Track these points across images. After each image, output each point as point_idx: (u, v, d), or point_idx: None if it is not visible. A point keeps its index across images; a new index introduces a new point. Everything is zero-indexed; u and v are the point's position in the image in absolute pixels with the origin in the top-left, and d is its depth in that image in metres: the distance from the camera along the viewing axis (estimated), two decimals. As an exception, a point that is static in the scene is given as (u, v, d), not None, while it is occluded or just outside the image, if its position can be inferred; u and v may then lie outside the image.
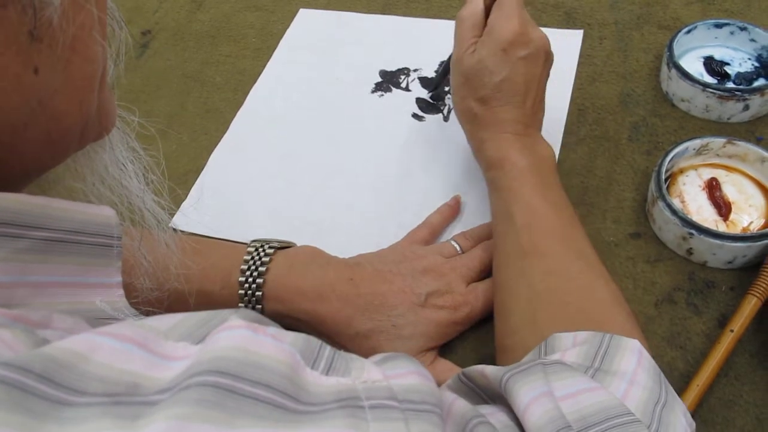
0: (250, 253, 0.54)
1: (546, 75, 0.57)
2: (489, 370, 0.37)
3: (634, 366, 0.38)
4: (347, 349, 0.50)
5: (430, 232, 0.60)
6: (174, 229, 0.43)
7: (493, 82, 0.55)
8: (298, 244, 0.57)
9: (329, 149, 0.69)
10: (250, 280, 0.53)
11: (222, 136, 0.72)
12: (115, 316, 0.32)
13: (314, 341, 0.28)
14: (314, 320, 0.53)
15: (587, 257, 0.49)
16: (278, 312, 0.53)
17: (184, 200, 0.67)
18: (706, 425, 0.48)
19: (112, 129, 0.35)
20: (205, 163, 0.70)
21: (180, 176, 0.69)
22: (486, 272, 0.56)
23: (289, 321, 0.53)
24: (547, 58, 0.57)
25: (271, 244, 0.55)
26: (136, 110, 0.38)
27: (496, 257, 0.53)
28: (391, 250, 0.58)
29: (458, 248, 0.57)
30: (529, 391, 0.34)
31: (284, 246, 0.56)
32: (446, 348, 0.54)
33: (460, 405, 0.32)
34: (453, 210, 0.62)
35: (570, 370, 0.37)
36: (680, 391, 0.48)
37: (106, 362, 0.23)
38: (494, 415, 0.35)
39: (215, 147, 0.71)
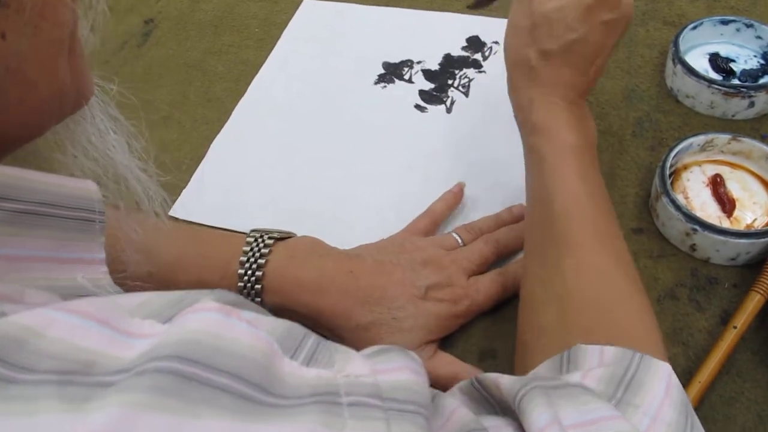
0: (249, 243, 0.53)
1: (617, 42, 0.52)
2: (504, 381, 0.35)
3: (661, 397, 0.36)
4: (347, 342, 0.48)
5: (432, 221, 0.59)
6: (165, 199, 0.41)
7: (564, 39, 0.49)
8: (298, 234, 0.57)
9: (331, 140, 0.68)
10: (249, 272, 0.52)
11: (223, 126, 0.71)
12: (97, 293, 0.30)
13: (298, 329, 0.27)
14: (313, 313, 0.52)
15: (624, 258, 0.46)
16: (277, 304, 0.52)
17: (184, 188, 0.66)
18: (706, 422, 0.48)
19: (91, 97, 0.34)
20: (205, 152, 0.69)
21: (180, 164, 0.68)
22: (487, 265, 0.55)
23: (288, 314, 0.52)
24: (627, 26, 0.51)
25: (270, 234, 0.54)
26: (114, 79, 0.37)
27: (528, 241, 0.50)
28: (391, 241, 0.57)
29: (459, 241, 0.56)
30: (543, 414, 0.32)
31: (284, 236, 0.55)
32: (447, 341, 0.54)
33: (462, 414, 0.31)
34: (456, 197, 0.61)
35: (590, 394, 0.34)
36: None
37: (61, 338, 0.21)
38: (500, 429, 0.34)
39: (216, 136, 0.70)
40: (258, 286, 0.52)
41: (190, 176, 0.67)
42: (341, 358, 0.27)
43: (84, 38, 0.33)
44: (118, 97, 0.37)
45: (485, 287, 0.53)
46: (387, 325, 0.51)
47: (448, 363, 0.52)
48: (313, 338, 0.27)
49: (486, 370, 0.51)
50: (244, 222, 0.62)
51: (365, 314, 0.51)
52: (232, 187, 0.66)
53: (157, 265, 0.45)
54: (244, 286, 0.52)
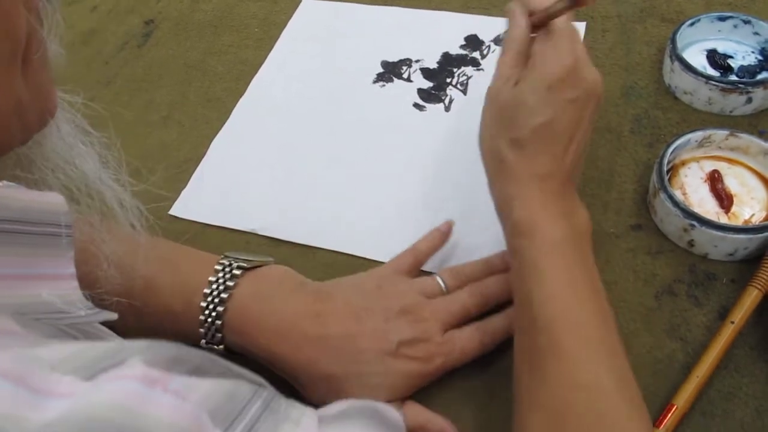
0: (216, 272, 0.51)
1: (592, 123, 0.49)
2: None
3: None
4: (308, 391, 0.47)
5: (415, 260, 0.55)
6: (140, 210, 0.40)
7: (530, 125, 0.47)
8: (293, 239, 0.55)
9: (330, 139, 0.69)
10: (212, 306, 0.49)
11: (223, 125, 0.72)
12: (65, 309, 0.30)
13: (242, 395, 0.25)
14: (272, 359, 0.49)
15: (617, 364, 0.43)
16: (238, 345, 0.50)
17: (184, 188, 0.66)
18: (705, 417, 0.48)
19: (55, 111, 0.33)
20: (205, 152, 0.69)
21: (181, 164, 0.69)
22: (468, 318, 0.52)
23: (249, 355, 0.50)
24: (597, 103, 0.49)
25: (240, 263, 0.51)
26: (80, 92, 0.36)
27: (516, 345, 0.46)
28: (370, 278, 0.53)
29: (443, 286, 0.53)
30: None
31: (256, 265, 0.52)
32: (431, 390, 0.51)
33: None
34: (443, 236, 0.57)
35: None
36: (680, 383, 0.48)
37: None
38: None
39: (216, 135, 0.71)
40: (219, 322, 0.49)
41: (191, 175, 0.68)
42: (287, 428, 0.25)
43: (51, 52, 0.32)
44: (83, 109, 0.36)
45: (461, 344, 0.50)
46: (351, 379, 0.48)
47: (415, 414, 0.48)
48: (259, 403, 0.25)
49: (478, 366, 0.51)
50: (242, 221, 0.62)
51: (329, 365, 0.48)
52: (232, 186, 0.66)
53: (129, 287, 0.44)
54: (205, 321, 0.49)
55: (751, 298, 0.50)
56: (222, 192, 0.66)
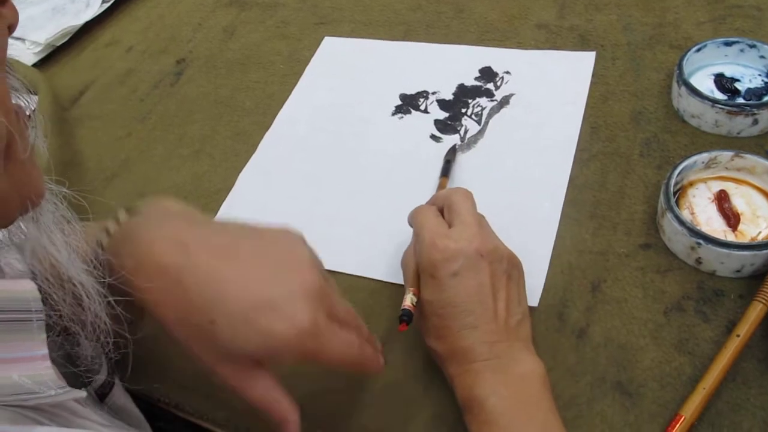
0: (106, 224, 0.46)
1: (505, 274, 0.50)
2: None
3: None
4: (172, 333, 0.42)
5: None
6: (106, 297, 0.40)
7: (436, 313, 0.49)
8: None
9: (351, 169, 0.72)
10: (96, 258, 0.43)
11: (250, 158, 0.76)
12: (35, 389, 0.30)
13: None
14: (139, 300, 0.42)
15: None
16: (125, 293, 0.43)
17: (214, 217, 0.70)
18: (713, 429, 0.49)
19: (40, 201, 0.34)
20: (234, 183, 0.73)
21: (212, 194, 0.73)
22: (347, 328, 0.47)
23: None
24: (495, 259, 0.50)
25: (126, 207, 0.47)
26: (65, 182, 0.38)
27: None
28: (285, 234, 0.48)
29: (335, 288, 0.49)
30: None
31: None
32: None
33: None
34: None
35: None
36: (688, 395, 0.50)
37: None
38: None
39: (244, 167, 0.75)
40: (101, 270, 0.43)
41: (220, 205, 0.71)
42: None
43: (36, 147, 0.33)
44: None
45: (340, 347, 0.43)
46: (200, 328, 0.40)
47: (266, 388, 0.43)
48: None
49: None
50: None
51: (177, 308, 0.41)
52: (259, 215, 0.69)
53: None
54: (98, 271, 0.43)
55: (755, 312, 0.52)
56: (249, 221, 0.69)
